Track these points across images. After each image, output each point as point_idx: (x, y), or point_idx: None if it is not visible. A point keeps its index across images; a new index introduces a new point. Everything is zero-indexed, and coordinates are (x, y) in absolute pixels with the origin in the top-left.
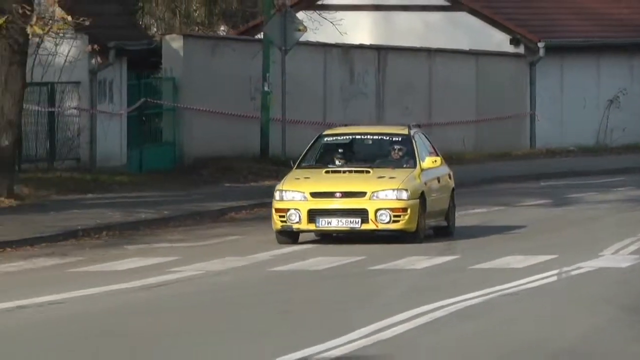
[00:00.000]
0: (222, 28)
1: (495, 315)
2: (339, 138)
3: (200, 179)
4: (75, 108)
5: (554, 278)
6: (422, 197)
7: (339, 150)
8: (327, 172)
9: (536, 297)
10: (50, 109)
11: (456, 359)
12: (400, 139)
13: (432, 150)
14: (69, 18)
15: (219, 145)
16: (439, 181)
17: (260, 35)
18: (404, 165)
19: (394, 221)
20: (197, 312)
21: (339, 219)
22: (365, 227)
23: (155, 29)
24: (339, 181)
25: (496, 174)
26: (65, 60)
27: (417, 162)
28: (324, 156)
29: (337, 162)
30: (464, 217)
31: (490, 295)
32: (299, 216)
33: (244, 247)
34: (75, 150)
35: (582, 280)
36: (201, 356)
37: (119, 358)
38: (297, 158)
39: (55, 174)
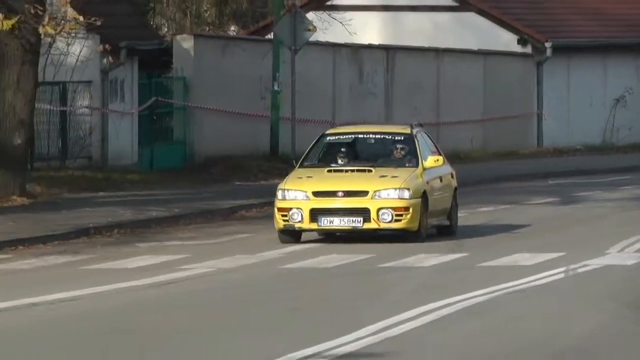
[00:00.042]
0: (232, 28)
1: (503, 312)
2: (341, 137)
3: (211, 178)
4: (86, 107)
5: (561, 275)
6: (424, 196)
7: (342, 150)
8: (329, 171)
9: (543, 294)
10: (62, 108)
11: (463, 356)
12: (402, 138)
13: (435, 150)
14: (81, 18)
15: (229, 143)
16: (441, 180)
17: (270, 36)
18: (406, 165)
19: (396, 220)
20: (208, 310)
21: (341, 218)
22: (367, 226)
23: (166, 29)
24: (341, 180)
25: (503, 172)
26: (77, 60)
27: (419, 161)
28: (326, 155)
29: (339, 161)
30: (472, 216)
31: (498, 293)
32: (301, 215)
33: (254, 245)
34: (87, 149)
35: (589, 277)
36: (211, 353)
37: (130, 355)
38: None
39: (67, 172)
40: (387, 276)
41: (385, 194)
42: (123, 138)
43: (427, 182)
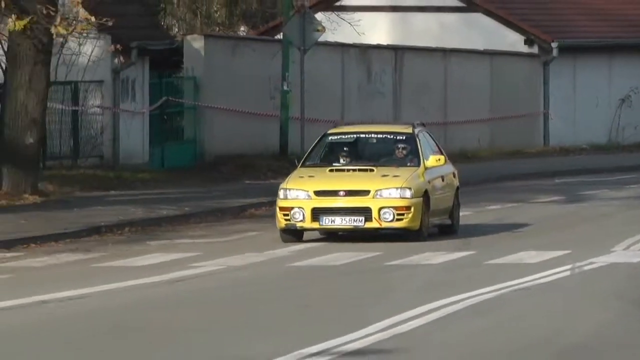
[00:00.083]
0: (242, 28)
1: (509, 310)
2: (343, 137)
3: (221, 176)
4: (98, 106)
5: (567, 273)
6: (425, 195)
7: (344, 149)
8: (331, 170)
9: (549, 292)
10: (74, 108)
11: (470, 353)
12: (404, 137)
13: (437, 149)
14: (93, 19)
15: (239, 143)
16: (442, 179)
17: (280, 36)
18: (408, 164)
19: (398, 219)
20: (217, 307)
21: (343, 217)
22: (368, 225)
23: (176, 30)
24: (342, 180)
25: (510, 171)
26: (88, 60)
27: (421, 160)
28: (328, 155)
29: (341, 161)
30: (479, 214)
31: (504, 290)
32: (303, 214)
33: (263, 243)
34: (98, 148)
35: (594, 275)
36: (220, 350)
37: (139, 353)
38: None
39: (78, 171)
40: (394, 274)
41: (387, 194)
42: (134, 137)
43: (429, 182)
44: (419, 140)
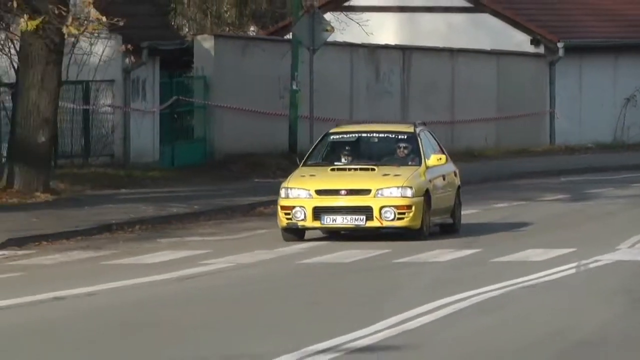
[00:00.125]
0: (252, 29)
1: (515, 307)
2: (345, 136)
3: (231, 175)
4: (109, 106)
5: (572, 271)
6: (426, 194)
7: (345, 148)
8: (332, 169)
9: (554, 289)
10: (85, 107)
11: (476, 350)
12: (405, 137)
13: (438, 148)
14: (104, 19)
15: (249, 141)
16: (444, 179)
17: (289, 36)
18: (409, 163)
19: (399, 218)
20: (226, 304)
21: (344, 217)
22: (369, 224)
23: (187, 30)
24: (344, 179)
25: (517, 169)
26: (99, 60)
27: (422, 159)
28: (330, 154)
29: (343, 160)
30: (486, 212)
31: (510, 288)
32: (304, 213)
33: (272, 241)
34: (109, 147)
35: (600, 273)
36: (229, 347)
37: (149, 350)
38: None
39: (89, 169)
40: (402, 271)
41: (388, 192)
42: (144, 136)
43: (430, 181)
44: (420, 140)
